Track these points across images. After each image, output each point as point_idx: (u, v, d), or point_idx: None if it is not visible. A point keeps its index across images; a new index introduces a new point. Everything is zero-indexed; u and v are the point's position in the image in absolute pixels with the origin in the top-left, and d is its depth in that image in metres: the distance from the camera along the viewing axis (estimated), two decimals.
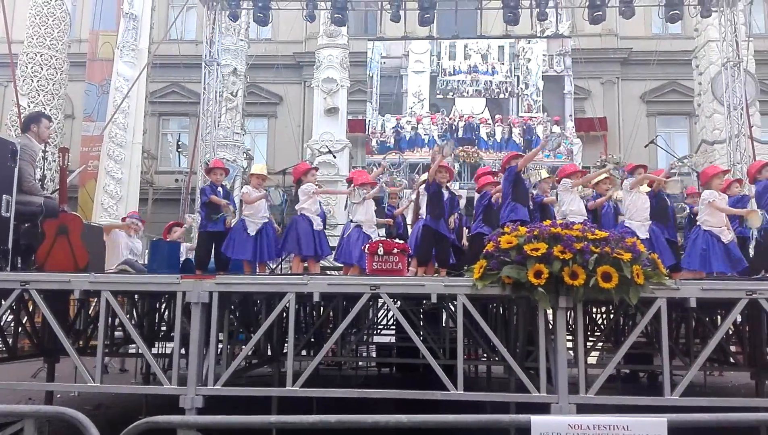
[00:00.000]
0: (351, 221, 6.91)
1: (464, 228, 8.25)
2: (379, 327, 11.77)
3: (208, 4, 13.87)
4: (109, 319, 7.65)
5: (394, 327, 11.34)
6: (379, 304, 9.94)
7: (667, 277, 5.13)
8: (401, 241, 5.79)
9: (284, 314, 5.67)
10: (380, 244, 5.41)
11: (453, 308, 6.77)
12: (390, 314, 11.20)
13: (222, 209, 6.69)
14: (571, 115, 17.04)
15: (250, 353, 6.85)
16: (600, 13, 13.09)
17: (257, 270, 7.02)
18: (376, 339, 11.38)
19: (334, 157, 11.57)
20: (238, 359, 5.51)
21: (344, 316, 6.48)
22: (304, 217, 6.54)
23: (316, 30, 18.87)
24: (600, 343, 9.96)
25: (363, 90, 18.31)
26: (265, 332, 6.09)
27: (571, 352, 5.57)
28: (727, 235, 6.55)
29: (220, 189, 6.96)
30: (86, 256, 6.22)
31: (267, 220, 6.71)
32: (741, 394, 8.07)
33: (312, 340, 8.89)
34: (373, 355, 11.07)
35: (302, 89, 21.64)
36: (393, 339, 11.02)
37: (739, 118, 13.99)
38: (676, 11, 13.20)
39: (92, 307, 8.59)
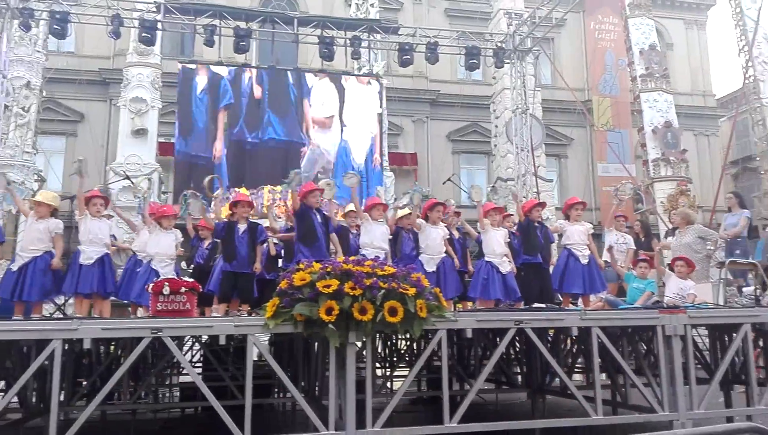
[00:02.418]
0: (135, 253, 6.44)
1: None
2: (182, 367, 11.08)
3: None
4: None
5: (201, 365, 10.76)
6: (185, 340, 9.37)
7: (447, 310, 5.50)
8: (191, 280, 5.50)
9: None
10: (166, 283, 5.09)
11: None
12: (195, 351, 10.62)
13: None
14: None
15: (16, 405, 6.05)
16: (408, 57, 13.97)
17: (32, 310, 6.28)
18: (182, 378, 10.67)
19: (132, 183, 10.75)
20: None
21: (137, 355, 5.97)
22: (76, 251, 5.98)
23: (125, 46, 17.69)
24: (405, 368, 10.37)
25: (175, 112, 17.46)
26: (38, 379, 5.43)
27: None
28: (506, 266, 7.26)
29: None
30: None
31: (39, 254, 6.00)
32: (523, 412, 8.83)
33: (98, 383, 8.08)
34: (177, 394, 10.35)
35: (108, 107, 20.09)
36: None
37: (527, 158, 15.79)
38: (474, 60, 14.57)
39: None
